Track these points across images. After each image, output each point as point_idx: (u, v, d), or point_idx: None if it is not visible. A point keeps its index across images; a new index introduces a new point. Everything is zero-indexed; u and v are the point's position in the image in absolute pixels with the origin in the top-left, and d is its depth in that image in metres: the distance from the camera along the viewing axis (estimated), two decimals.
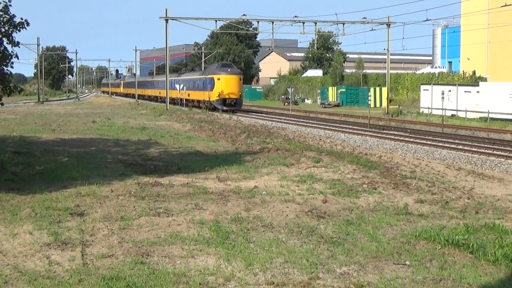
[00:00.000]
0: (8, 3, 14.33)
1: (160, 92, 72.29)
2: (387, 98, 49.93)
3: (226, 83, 50.43)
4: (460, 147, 23.53)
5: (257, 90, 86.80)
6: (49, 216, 9.89)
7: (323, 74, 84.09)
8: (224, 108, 49.17)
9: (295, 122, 37.91)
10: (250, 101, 75.06)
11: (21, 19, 14.54)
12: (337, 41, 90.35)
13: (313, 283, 6.83)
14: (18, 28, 14.40)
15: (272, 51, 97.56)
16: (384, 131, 31.23)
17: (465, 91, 43.16)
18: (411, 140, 26.24)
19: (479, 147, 23.35)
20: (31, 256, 7.86)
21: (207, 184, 13.20)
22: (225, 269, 7.32)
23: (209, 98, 51.72)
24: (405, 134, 29.92)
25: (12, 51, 14.55)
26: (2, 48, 14.23)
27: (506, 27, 54.58)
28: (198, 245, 8.33)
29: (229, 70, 52.08)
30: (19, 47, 14.78)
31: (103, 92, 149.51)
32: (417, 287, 6.82)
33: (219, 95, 50.04)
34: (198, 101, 56.30)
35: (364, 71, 73.03)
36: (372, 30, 53.67)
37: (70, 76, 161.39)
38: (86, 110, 51.70)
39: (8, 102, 52.25)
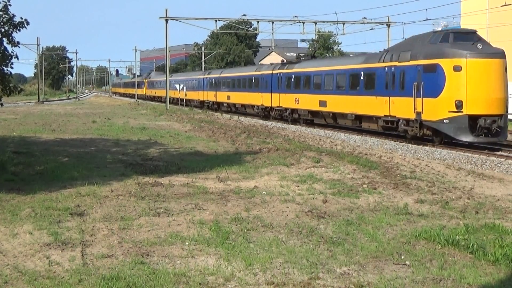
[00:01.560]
0: (8, 3, 14.33)
1: (240, 98, 46.28)
2: None
3: (479, 78, 22.16)
4: (460, 147, 23.50)
5: None
6: (49, 216, 9.88)
7: None
8: (473, 139, 22.10)
9: (295, 122, 37.89)
10: None
11: (21, 18, 14.55)
12: (337, 41, 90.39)
13: (313, 283, 6.83)
14: (18, 28, 14.40)
15: (272, 51, 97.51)
16: (384, 131, 31.19)
17: None
18: (411, 140, 26.19)
19: (479, 147, 23.29)
20: (31, 256, 7.86)
21: (207, 184, 13.20)
22: (225, 269, 7.32)
23: (423, 112, 23.35)
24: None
25: (12, 52, 14.56)
26: (2, 48, 14.23)
27: (506, 27, 54.60)
28: (198, 245, 8.33)
29: (479, 47, 22.53)
30: (19, 47, 14.79)
31: (115, 93, 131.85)
32: (417, 287, 6.82)
33: (458, 106, 21.97)
34: (360, 119, 28.78)
35: None
36: (372, 29, 53.82)
37: (70, 76, 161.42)
38: (86, 110, 51.71)
39: (8, 102, 52.37)
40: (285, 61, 40.69)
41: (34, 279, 6.93)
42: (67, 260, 7.65)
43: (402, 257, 7.89)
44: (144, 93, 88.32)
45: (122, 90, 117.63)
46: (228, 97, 49.26)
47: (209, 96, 55.40)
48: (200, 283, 6.80)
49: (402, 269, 7.42)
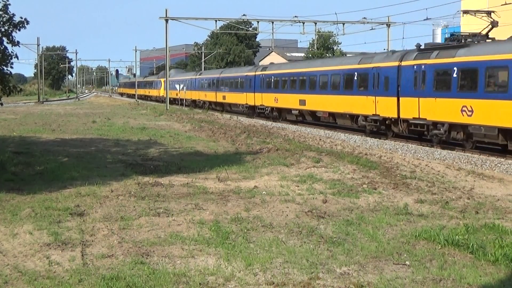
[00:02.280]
0: (8, 3, 14.34)
1: (326, 103, 31.80)
2: None
3: None
4: (460, 147, 23.46)
5: None
6: (49, 216, 9.88)
7: None
8: None
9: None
10: None
11: (21, 18, 14.56)
12: (337, 41, 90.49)
13: (313, 283, 6.83)
14: (18, 27, 14.41)
15: (272, 51, 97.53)
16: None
17: None
18: (411, 140, 26.20)
19: (479, 147, 23.24)
20: (31, 256, 7.86)
21: (207, 184, 13.20)
22: (225, 269, 7.32)
23: None
24: (405, 134, 29.85)
25: (12, 51, 14.58)
26: (2, 48, 14.24)
27: (506, 27, 54.61)
28: (198, 245, 8.33)
29: None
30: (19, 46, 14.82)
31: (121, 94, 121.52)
32: (417, 287, 6.81)
33: None
34: None
35: None
36: (372, 29, 53.88)
37: (70, 76, 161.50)
38: (86, 110, 51.72)
39: (8, 102, 52.36)
40: (421, 46, 25.47)
41: (34, 279, 6.93)
42: (67, 260, 7.65)
43: (402, 257, 7.89)
44: (160, 94, 72.02)
45: (132, 91, 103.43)
46: (302, 102, 34.42)
47: (264, 99, 40.93)
48: (200, 283, 6.80)
49: (402, 269, 7.41)
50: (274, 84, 39.63)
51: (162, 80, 72.81)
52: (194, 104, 58.06)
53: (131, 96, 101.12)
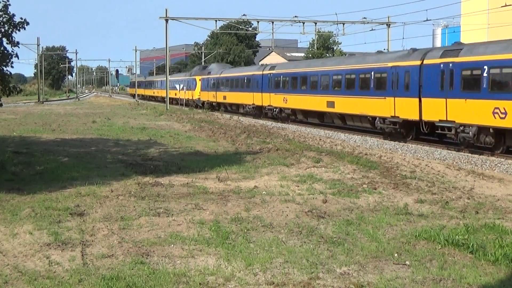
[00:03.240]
0: (7, 3, 14.34)
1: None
2: None
3: None
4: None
5: None
6: (49, 216, 9.89)
7: None
8: None
9: (295, 122, 37.88)
10: None
11: (21, 18, 14.56)
12: (337, 41, 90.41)
13: (313, 283, 6.83)
14: (18, 28, 14.41)
15: (272, 51, 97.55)
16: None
17: None
18: (411, 140, 26.19)
19: (479, 146, 23.25)
20: (31, 256, 7.86)
21: (207, 184, 13.20)
22: (225, 269, 7.32)
23: None
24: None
25: (12, 51, 14.57)
26: (1, 48, 14.23)
27: (506, 27, 54.63)
28: (198, 245, 8.33)
29: None
30: (18, 47, 14.80)
31: (133, 96, 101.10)
32: (417, 287, 6.82)
33: None
34: None
35: None
36: (372, 30, 53.91)
37: (70, 76, 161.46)
38: (86, 110, 51.72)
39: (8, 102, 52.42)
40: None
41: (34, 279, 6.93)
42: (67, 260, 7.65)
43: (402, 257, 7.89)
44: (196, 96, 57.05)
45: (150, 92, 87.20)
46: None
47: (457, 110, 21.79)
48: (200, 283, 6.80)
49: (402, 269, 7.42)
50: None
51: (198, 78, 58.47)
52: (259, 111, 42.84)
53: (148, 98, 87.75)
